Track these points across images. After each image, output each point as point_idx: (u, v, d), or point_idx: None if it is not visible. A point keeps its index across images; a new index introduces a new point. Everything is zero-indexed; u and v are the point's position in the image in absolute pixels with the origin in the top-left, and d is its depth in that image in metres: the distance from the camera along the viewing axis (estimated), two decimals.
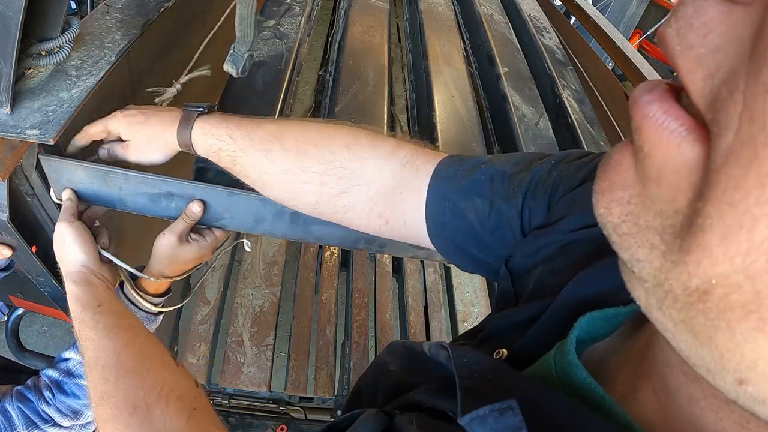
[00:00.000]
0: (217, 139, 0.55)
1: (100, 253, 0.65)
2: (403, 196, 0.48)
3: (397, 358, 0.41)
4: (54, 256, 0.76)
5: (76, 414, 0.70)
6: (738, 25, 0.14)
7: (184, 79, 0.76)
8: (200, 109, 0.58)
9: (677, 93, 0.17)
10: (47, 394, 0.69)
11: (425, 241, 0.49)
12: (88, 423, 0.72)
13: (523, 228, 0.42)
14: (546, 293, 0.35)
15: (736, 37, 0.14)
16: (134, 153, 0.61)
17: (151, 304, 0.72)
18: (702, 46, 0.15)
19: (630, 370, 0.26)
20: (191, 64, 0.79)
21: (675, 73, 0.17)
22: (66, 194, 0.65)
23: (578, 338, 0.28)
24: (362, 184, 0.49)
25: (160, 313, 0.74)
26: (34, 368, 0.96)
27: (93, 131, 0.61)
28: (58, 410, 0.68)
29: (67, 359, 0.72)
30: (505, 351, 0.33)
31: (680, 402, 0.21)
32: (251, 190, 0.59)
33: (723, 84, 0.14)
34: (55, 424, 0.68)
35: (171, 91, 0.75)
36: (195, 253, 0.68)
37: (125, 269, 0.69)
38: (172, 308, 0.75)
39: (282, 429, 1.23)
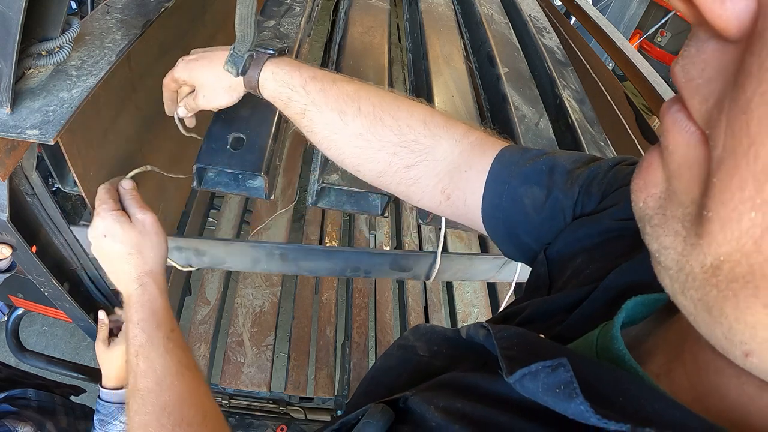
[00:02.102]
0: (289, 87, 0.53)
1: None
2: (468, 175, 0.49)
3: (425, 342, 0.41)
4: (53, 256, 0.76)
5: None
6: (728, 60, 0.18)
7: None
8: (270, 52, 0.55)
9: None
10: None
11: (478, 222, 0.50)
12: None
13: (575, 218, 0.43)
14: (584, 281, 0.37)
15: (725, 69, 0.18)
16: (202, 100, 0.59)
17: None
18: (700, 78, 0.19)
19: (663, 355, 0.28)
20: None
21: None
22: (129, 183, 0.63)
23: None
24: (431, 160, 0.50)
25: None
26: (41, 383, 0.96)
27: (166, 82, 0.61)
28: None
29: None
30: (543, 336, 0.34)
31: (708, 375, 0.24)
32: (246, 239, 0.64)
33: (714, 107, 0.18)
34: None
35: None
36: (120, 348, 0.78)
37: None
38: None
39: (282, 429, 1.23)
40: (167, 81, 0.61)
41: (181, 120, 0.66)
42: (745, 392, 0.21)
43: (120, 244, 0.58)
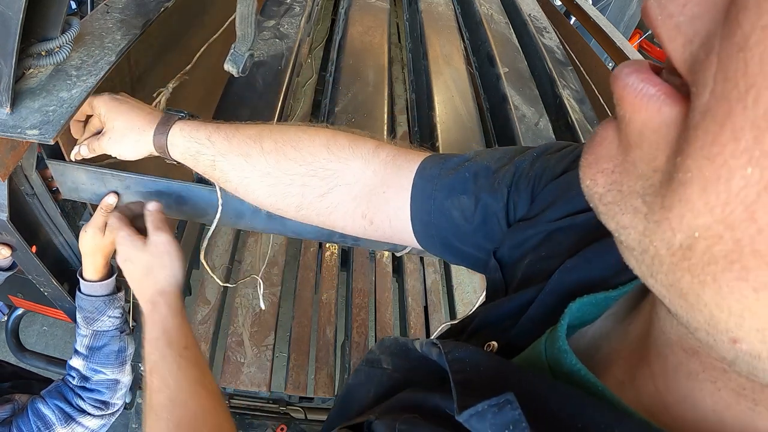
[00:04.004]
0: (195, 141, 0.54)
1: None
2: (387, 195, 0.48)
3: (389, 355, 0.41)
4: (53, 256, 0.76)
5: (105, 405, 0.80)
6: None
7: (175, 82, 0.76)
8: (181, 114, 0.58)
9: (656, 70, 0.18)
10: (78, 390, 0.78)
11: (410, 240, 0.49)
12: (115, 411, 0.83)
13: (509, 220, 0.42)
14: (534, 281, 0.35)
15: (712, 4, 0.15)
16: (107, 142, 0.59)
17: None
18: (681, 15, 0.16)
19: (626, 359, 0.26)
20: (192, 63, 0.79)
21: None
22: (154, 205, 0.65)
23: (569, 324, 0.28)
24: (344, 184, 0.49)
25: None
26: (45, 376, 0.96)
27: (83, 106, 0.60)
28: (89, 404, 0.78)
29: (74, 368, 0.79)
30: (495, 344, 0.33)
31: (679, 379, 0.22)
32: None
33: (701, 48, 0.15)
34: (89, 414, 0.77)
35: (166, 92, 0.75)
36: (113, 236, 0.72)
37: None
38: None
39: (282, 429, 1.23)
40: (84, 105, 0.60)
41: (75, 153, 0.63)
42: (721, 398, 0.20)
43: (135, 266, 0.61)
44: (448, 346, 0.31)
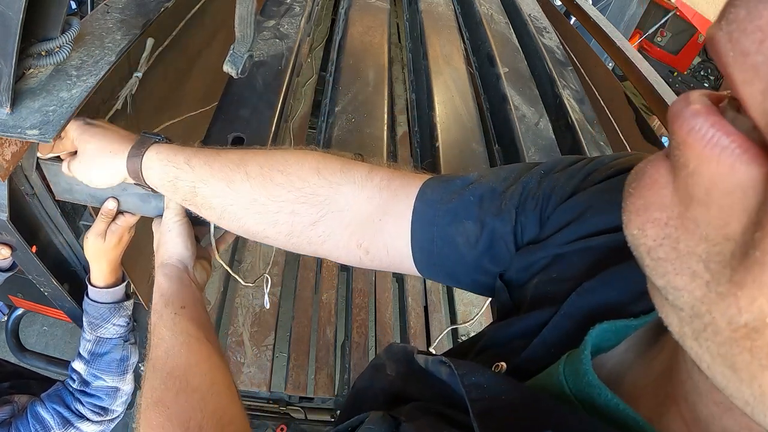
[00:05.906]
0: (174, 166, 0.51)
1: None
2: (383, 223, 0.45)
3: (394, 363, 0.40)
4: (53, 256, 0.76)
5: (105, 411, 0.80)
6: None
7: (143, 69, 0.76)
8: (158, 138, 0.55)
9: (717, 101, 0.16)
10: (78, 394, 0.78)
11: (410, 269, 0.46)
12: (115, 418, 0.82)
13: (517, 243, 0.40)
14: (546, 302, 0.34)
15: None
16: (77, 167, 0.57)
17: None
18: (759, 53, 0.13)
19: (652, 393, 0.24)
20: (165, 43, 0.78)
21: (721, 80, 0.16)
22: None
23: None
24: (336, 211, 0.46)
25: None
26: (44, 374, 0.96)
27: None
28: (89, 409, 0.77)
29: (76, 371, 0.79)
30: (504, 364, 0.31)
31: (709, 429, 0.20)
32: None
33: None
34: (88, 420, 0.77)
35: (131, 82, 0.74)
36: (115, 240, 0.71)
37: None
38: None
39: (282, 429, 1.23)
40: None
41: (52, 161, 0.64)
42: None
43: (155, 243, 0.65)
44: (462, 367, 0.29)
